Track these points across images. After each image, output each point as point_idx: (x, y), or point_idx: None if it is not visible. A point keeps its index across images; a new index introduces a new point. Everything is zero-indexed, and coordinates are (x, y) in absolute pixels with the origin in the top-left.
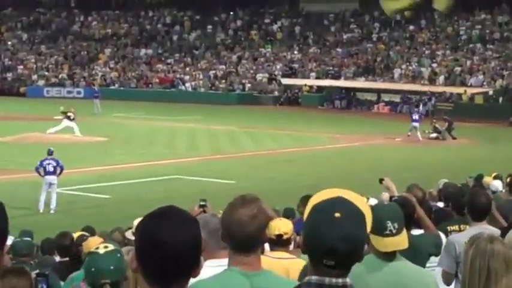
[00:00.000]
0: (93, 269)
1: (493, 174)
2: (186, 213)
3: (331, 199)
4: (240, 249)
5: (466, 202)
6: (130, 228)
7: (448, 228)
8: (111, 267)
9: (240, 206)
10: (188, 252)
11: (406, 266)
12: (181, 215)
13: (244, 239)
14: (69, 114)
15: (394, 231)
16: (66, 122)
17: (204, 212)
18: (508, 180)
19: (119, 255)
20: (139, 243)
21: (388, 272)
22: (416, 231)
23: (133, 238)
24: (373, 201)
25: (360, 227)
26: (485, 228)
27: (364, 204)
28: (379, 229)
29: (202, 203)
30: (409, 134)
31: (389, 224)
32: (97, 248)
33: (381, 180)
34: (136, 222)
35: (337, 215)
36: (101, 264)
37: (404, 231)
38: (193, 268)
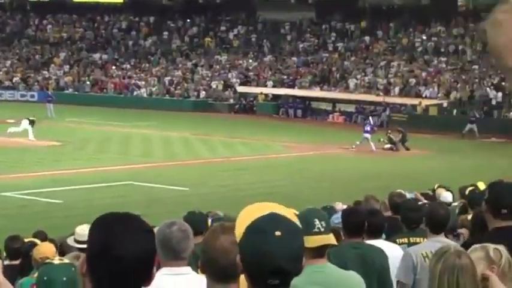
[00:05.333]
0: (45, 278)
1: (436, 185)
2: (141, 223)
3: (265, 217)
4: (221, 278)
5: (425, 214)
6: (72, 234)
7: (398, 241)
8: (64, 279)
9: (221, 232)
10: (139, 265)
11: (334, 269)
12: (136, 225)
13: (227, 267)
14: (31, 118)
15: (322, 229)
16: (25, 124)
17: None
18: (467, 192)
19: (73, 268)
20: (90, 249)
21: (316, 270)
22: (377, 242)
23: (74, 245)
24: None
25: (300, 243)
26: (443, 241)
27: (294, 216)
28: (308, 228)
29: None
30: (357, 143)
31: (316, 222)
32: (53, 259)
33: None
34: (79, 229)
35: (277, 233)
36: (53, 274)
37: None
38: (144, 280)
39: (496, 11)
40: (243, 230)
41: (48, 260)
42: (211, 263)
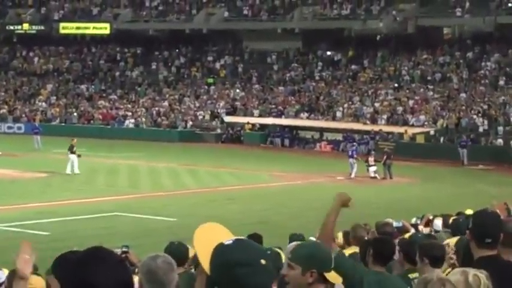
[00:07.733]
0: None
1: (431, 216)
2: (113, 255)
3: (236, 245)
4: None
5: (422, 249)
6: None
7: (410, 276)
8: None
9: None
10: None
11: None
12: (109, 258)
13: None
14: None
15: None
16: (72, 157)
17: (127, 258)
18: (451, 221)
19: None
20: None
21: None
22: None
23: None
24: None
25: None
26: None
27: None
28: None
29: (124, 249)
30: (351, 171)
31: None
32: None
33: None
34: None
35: (263, 262)
36: None
37: None
38: None
39: None
40: (207, 261)
41: None
42: None
